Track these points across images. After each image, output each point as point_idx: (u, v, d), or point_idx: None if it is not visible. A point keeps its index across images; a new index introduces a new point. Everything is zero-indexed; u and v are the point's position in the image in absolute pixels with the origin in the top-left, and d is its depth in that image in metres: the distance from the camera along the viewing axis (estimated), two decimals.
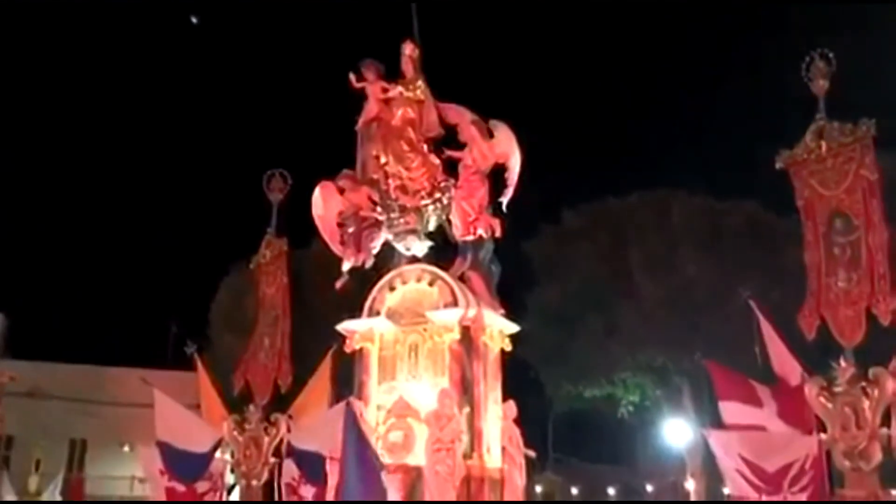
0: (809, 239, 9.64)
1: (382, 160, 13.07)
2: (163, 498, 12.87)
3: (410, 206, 12.78)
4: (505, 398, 12.22)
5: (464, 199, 12.49)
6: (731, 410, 10.13)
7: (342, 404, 11.79)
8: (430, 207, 12.80)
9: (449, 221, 12.71)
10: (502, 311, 12.47)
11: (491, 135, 12.66)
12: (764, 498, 9.58)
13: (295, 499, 12.04)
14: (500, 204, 12.54)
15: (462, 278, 12.30)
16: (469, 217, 12.41)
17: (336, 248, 13.27)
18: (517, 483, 11.83)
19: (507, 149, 12.60)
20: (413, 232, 12.74)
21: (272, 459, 12.27)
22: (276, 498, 12.09)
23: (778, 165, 9.97)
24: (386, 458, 11.64)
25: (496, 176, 12.64)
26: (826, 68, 9.96)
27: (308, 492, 11.99)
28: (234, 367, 13.37)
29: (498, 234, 12.42)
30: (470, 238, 12.38)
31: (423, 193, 12.83)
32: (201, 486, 12.92)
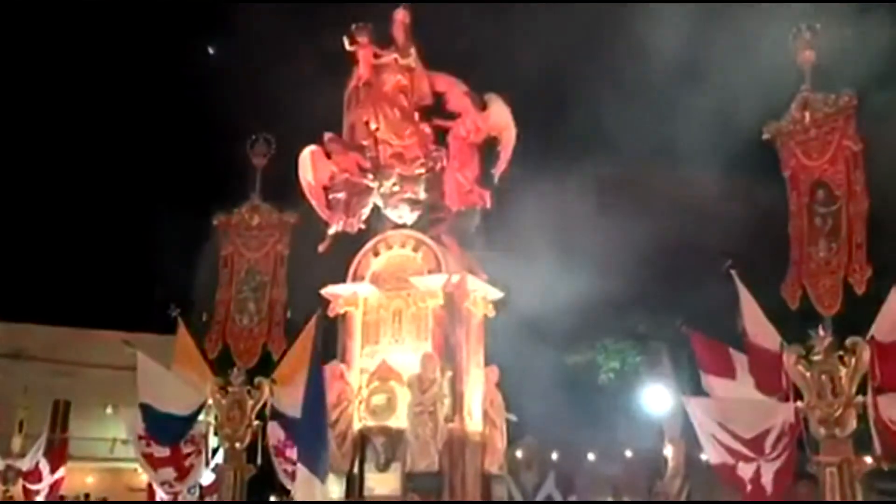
0: (793, 209, 9.67)
1: (373, 126, 13.01)
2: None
3: (407, 174, 12.76)
4: (487, 363, 12.34)
5: (457, 170, 12.49)
6: (715, 384, 10.24)
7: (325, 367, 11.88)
8: (423, 177, 12.80)
9: (438, 191, 12.70)
10: (485, 276, 12.53)
11: (484, 107, 12.63)
12: (741, 464, 9.74)
13: (282, 460, 12.20)
14: (489, 174, 12.57)
15: (438, 241, 12.33)
16: (463, 188, 12.42)
17: (323, 213, 13.24)
18: (498, 446, 12.01)
19: (500, 122, 12.58)
20: (408, 201, 12.73)
21: (255, 422, 12.34)
22: (260, 460, 12.19)
23: (765, 136, 10.00)
24: (369, 421, 11.82)
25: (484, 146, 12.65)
26: (812, 39, 9.92)
27: (295, 454, 12.15)
28: (207, 329, 13.20)
29: (488, 205, 12.47)
30: (463, 209, 12.40)
31: (417, 162, 12.81)
32: (185, 448, 13.02)
